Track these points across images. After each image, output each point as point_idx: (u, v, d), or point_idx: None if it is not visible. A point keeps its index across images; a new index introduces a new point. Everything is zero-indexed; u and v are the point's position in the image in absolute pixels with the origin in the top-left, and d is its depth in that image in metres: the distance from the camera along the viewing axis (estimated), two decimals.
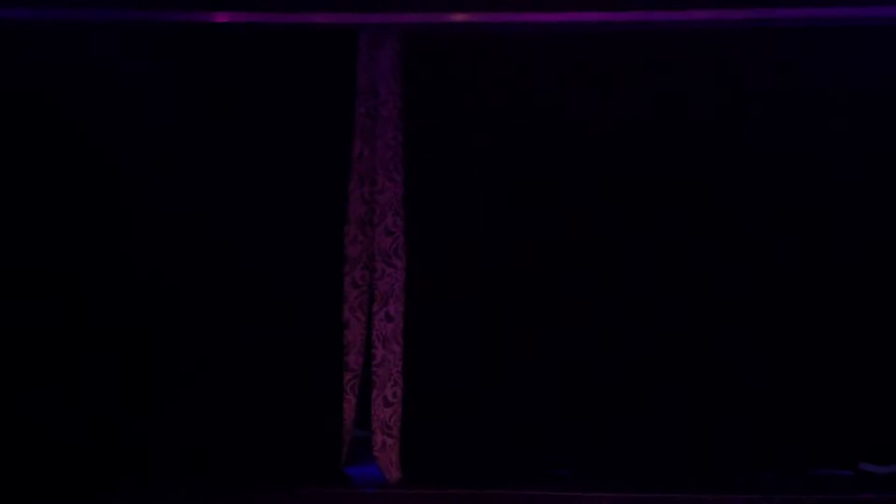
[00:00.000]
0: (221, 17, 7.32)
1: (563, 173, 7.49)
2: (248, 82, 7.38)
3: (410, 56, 7.46)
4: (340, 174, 7.39)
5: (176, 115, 7.30)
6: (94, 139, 7.29)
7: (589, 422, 7.42)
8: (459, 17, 7.34)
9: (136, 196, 7.29)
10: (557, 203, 7.48)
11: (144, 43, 7.33)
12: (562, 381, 7.42)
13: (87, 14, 7.28)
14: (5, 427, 7.15)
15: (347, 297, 7.37)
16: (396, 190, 7.43)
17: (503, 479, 7.16)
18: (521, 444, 7.40)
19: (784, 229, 7.42)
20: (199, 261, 7.30)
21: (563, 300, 7.46)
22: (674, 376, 7.42)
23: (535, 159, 7.49)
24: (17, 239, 7.27)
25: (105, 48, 7.29)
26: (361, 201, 7.45)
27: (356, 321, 7.39)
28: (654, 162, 7.44)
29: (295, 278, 7.32)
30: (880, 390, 7.37)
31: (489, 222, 7.48)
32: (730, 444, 7.38)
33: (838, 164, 7.37)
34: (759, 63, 7.38)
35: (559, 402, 7.43)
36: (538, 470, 7.39)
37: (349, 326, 7.37)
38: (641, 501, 6.80)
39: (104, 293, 7.28)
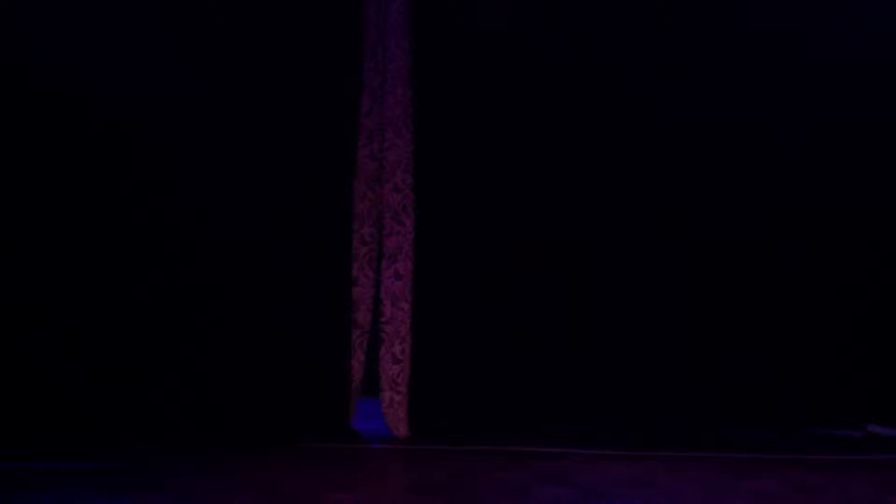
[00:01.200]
0: None
1: (579, 129, 7.39)
2: (253, 36, 7.24)
3: (420, 9, 7.32)
4: (349, 130, 7.30)
5: (178, 73, 7.16)
6: (97, 91, 7.12)
7: (596, 377, 7.45)
8: None
9: (145, 155, 7.17)
10: (570, 161, 7.41)
11: None
12: (567, 340, 7.45)
13: None
14: None
15: (356, 255, 7.33)
16: (406, 147, 7.35)
17: (509, 435, 7.20)
18: (528, 402, 7.44)
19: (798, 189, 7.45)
20: (206, 219, 7.21)
21: (573, 257, 7.44)
22: (672, 333, 7.46)
23: (550, 114, 7.40)
24: None
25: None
26: (370, 158, 7.36)
27: (365, 278, 7.36)
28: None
29: (304, 235, 7.26)
30: (889, 351, 7.40)
31: (501, 179, 7.42)
32: (734, 401, 7.43)
33: None
34: None
35: (566, 361, 7.45)
36: (545, 426, 7.41)
37: (358, 283, 7.34)
38: (638, 458, 6.81)
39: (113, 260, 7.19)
